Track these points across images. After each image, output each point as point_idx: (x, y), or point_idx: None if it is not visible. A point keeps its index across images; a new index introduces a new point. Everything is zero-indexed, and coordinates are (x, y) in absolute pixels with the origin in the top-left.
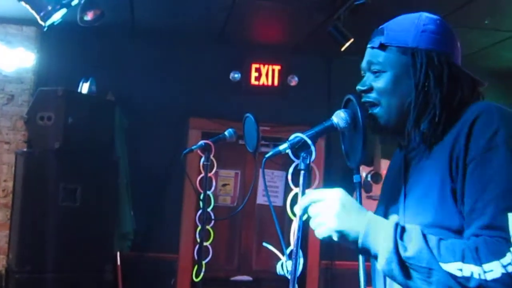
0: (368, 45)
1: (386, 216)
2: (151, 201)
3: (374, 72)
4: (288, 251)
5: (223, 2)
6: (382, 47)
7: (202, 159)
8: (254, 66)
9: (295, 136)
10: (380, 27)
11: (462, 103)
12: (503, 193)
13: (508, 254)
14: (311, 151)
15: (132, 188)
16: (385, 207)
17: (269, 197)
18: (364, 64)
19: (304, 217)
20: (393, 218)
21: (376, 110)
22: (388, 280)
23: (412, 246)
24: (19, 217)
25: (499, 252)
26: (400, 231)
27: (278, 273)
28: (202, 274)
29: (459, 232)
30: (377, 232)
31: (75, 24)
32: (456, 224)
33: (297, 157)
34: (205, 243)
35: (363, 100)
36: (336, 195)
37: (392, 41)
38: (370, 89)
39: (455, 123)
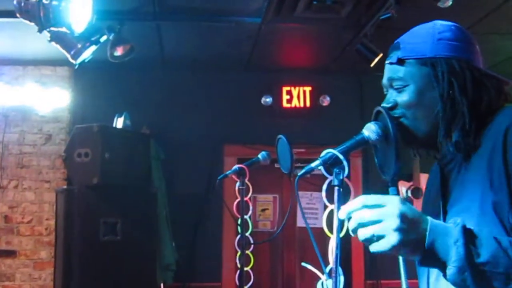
0: (386, 62)
1: None
2: (191, 230)
3: (397, 88)
4: (327, 269)
5: (248, 30)
6: (401, 61)
7: (237, 184)
8: (285, 89)
9: (327, 152)
10: (396, 41)
11: (491, 106)
12: None
13: None
14: (344, 166)
15: (171, 219)
16: None
17: (304, 215)
18: (385, 81)
19: (348, 226)
20: (456, 220)
21: (404, 120)
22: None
23: (485, 251)
24: (62, 254)
25: None
26: (468, 235)
27: None
28: None
29: None
30: (443, 238)
31: (106, 60)
32: (497, 235)
33: (331, 174)
34: (246, 268)
35: None
36: (395, 202)
37: (409, 54)
38: (395, 106)
39: (488, 128)
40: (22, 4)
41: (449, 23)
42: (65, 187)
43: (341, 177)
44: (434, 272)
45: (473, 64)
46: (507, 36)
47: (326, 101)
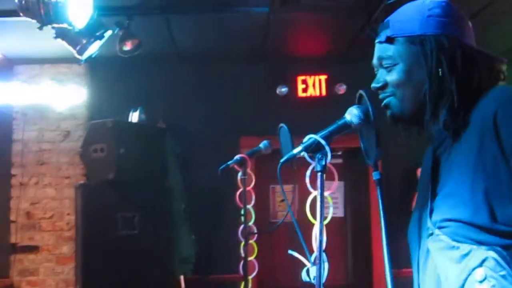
0: (376, 41)
1: (419, 217)
2: (210, 223)
3: (386, 67)
4: (313, 257)
5: (257, 21)
6: (390, 40)
7: (239, 174)
8: (300, 78)
9: (309, 137)
10: (385, 20)
11: (482, 84)
12: None
13: None
14: (326, 152)
15: (190, 212)
16: (418, 206)
17: (287, 201)
18: (375, 60)
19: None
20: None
21: (390, 100)
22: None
23: None
24: (81, 249)
25: None
26: None
27: (304, 280)
28: None
29: (488, 231)
30: None
31: (121, 56)
32: (486, 223)
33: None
34: (250, 258)
35: (380, 96)
36: None
37: (398, 32)
38: (385, 85)
39: (477, 107)
40: (23, 2)
41: None
42: (82, 182)
43: (323, 163)
44: (423, 255)
45: (463, 41)
46: None
47: (342, 89)
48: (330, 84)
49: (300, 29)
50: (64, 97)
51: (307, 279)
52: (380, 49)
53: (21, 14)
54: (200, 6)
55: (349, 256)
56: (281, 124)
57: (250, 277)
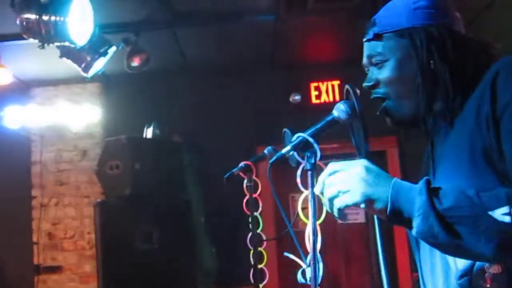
0: (364, 40)
1: None
2: (231, 235)
3: (376, 64)
4: (308, 258)
5: (264, 29)
6: (378, 37)
7: (245, 181)
8: (312, 85)
9: (297, 136)
10: (372, 18)
11: (480, 68)
12: None
13: None
14: (315, 150)
15: (211, 225)
16: None
17: (280, 206)
18: (364, 60)
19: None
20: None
21: (387, 103)
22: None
23: (449, 199)
24: (102, 266)
25: None
26: (432, 188)
27: (299, 281)
28: None
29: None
30: (407, 191)
31: (133, 73)
32: (489, 186)
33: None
34: (259, 266)
35: (372, 96)
36: (360, 162)
37: (386, 28)
38: (376, 84)
39: (475, 89)
40: (24, 23)
41: None
42: (100, 200)
43: (312, 161)
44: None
45: (453, 29)
46: None
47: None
48: (343, 89)
49: (309, 35)
50: (80, 116)
51: (303, 281)
52: (369, 47)
53: (23, 35)
54: (206, 18)
55: (373, 261)
56: (285, 129)
57: (261, 285)
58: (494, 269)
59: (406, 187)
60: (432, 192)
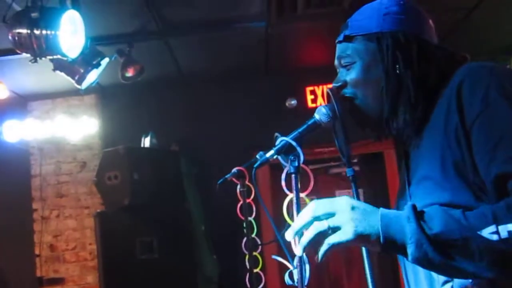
0: (336, 41)
1: (398, 208)
2: (232, 242)
3: (345, 66)
4: (295, 260)
5: (257, 35)
6: (348, 39)
7: (238, 187)
8: (308, 89)
9: (280, 140)
10: (346, 21)
11: (443, 78)
12: None
13: None
14: (298, 153)
15: (211, 232)
16: (398, 197)
17: (265, 207)
18: (335, 61)
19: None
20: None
21: (354, 103)
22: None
23: (437, 223)
24: (104, 276)
25: None
26: (418, 212)
27: (286, 283)
28: None
29: (468, 209)
30: (396, 221)
31: (129, 84)
32: (464, 200)
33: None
34: (255, 270)
35: (340, 95)
36: (345, 199)
37: (356, 31)
38: (344, 84)
39: (440, 98)
40: (16, 38)
41: None
42: (99, 211)
43: (296, 164)
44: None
45: (421, 37)
46: None
47: None
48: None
49: (301, 40)
50: (78, 128)
51: (290, 282)
52: (340, 49)
53: (16, 50)
54: (197, 27)
55: (374, 265)
56: (276, 134)
57: None
58: None
59: (394, 216)
60: (420, 217)
